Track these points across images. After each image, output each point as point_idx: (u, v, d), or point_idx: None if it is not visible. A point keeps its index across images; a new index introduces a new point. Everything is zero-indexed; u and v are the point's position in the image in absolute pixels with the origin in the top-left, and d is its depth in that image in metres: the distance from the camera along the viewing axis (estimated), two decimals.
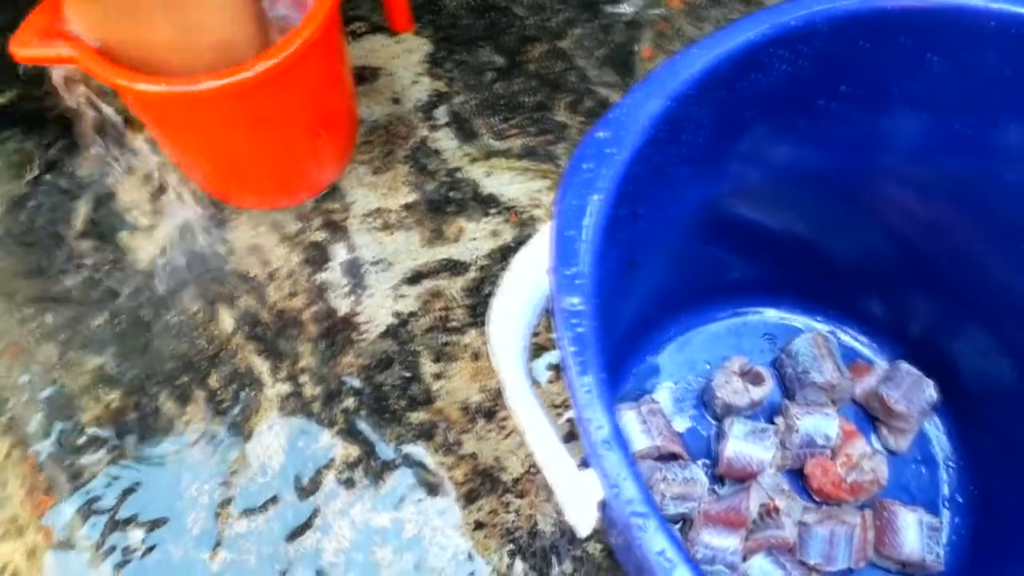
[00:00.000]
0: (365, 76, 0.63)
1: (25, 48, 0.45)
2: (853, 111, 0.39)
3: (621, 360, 0.51)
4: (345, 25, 0.65)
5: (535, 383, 0.54)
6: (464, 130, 0.62)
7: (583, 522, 0.28)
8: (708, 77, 0.33)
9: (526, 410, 0.32)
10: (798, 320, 0.55)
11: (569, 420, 0.53)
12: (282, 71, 0.45)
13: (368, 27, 0.65)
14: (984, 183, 0.42)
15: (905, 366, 0.51)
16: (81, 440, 0.53)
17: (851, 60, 0.37)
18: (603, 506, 0.29)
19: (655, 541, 0.26)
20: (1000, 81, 0.38)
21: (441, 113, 0.62)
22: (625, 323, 0.46)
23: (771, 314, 0.55)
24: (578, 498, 0.28)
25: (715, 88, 0.34)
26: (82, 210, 0.60)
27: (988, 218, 0.43)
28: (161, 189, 0.60)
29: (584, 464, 0.30)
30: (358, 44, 0.65)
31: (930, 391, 0.49)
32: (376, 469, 0.52)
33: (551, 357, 0.55)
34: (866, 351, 0.54)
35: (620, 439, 0.27)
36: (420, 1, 0.66)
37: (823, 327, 0.54)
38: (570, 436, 0.52)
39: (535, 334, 0.55)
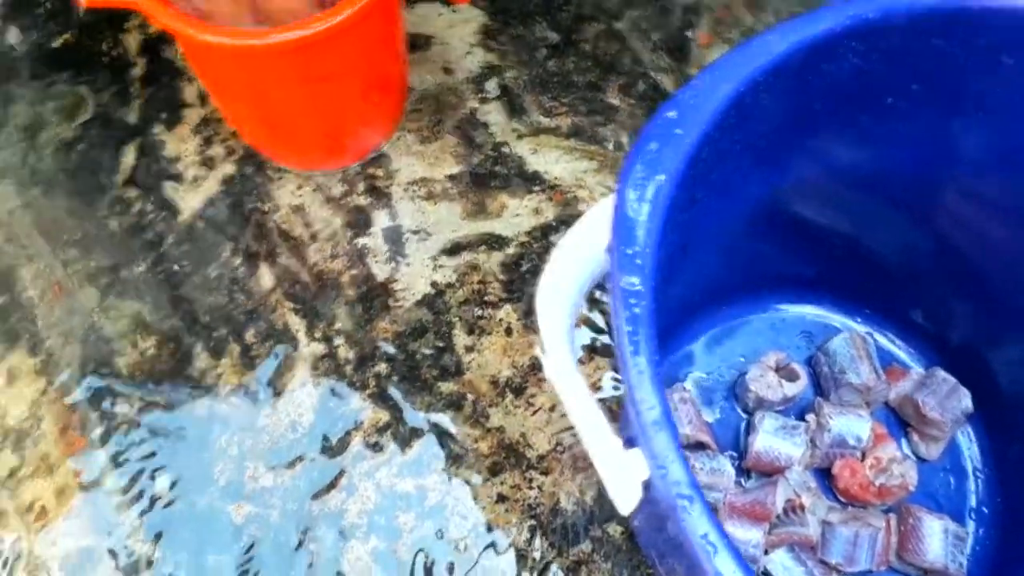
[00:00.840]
0: (418, 44, 0.63)
1: None
2: (922, 111, 0.39)
3: (661, 345, 0.51)
4: None
5: None
6: (514, 105, 0.61)
7: (627, 500, 0.28)
8: (781, 65, 0.33)
9: (571, 384, 0.32)
10: (836, 320, 0.54)
11: (601, 400, 0.53)
12: (341, 31, 0.45)
13: None
14: None
15: (942, 373, 0.50)
16: (116, 384, 0.54)
17: (925, 58, 0.36)
18: (647, 486, 0.29)
19: (699, 524, 0.26)
20: None
21: (492, 86, 0.62)
22: (670, 308, 0.46)
23: (810, 311, 0.54)
24: (623, 476, 0.28)
25: (787, 77, 0.34)
26: (129, 157, 0.60)
27: None
28: (208, 142, 0.60)
29: (629, 443, 0.30)
30: (413, 11, 0.64)
31: (966, 400, 0.49)
32: (404, 435, 0.52)
33: (583, 337, 0.55)
34: (903, 355, 0.53)
35: (669, 420, 0.27)
36: None
37: (861, 328, 0.54)
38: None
39: None
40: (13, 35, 0.64)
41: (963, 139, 0.40)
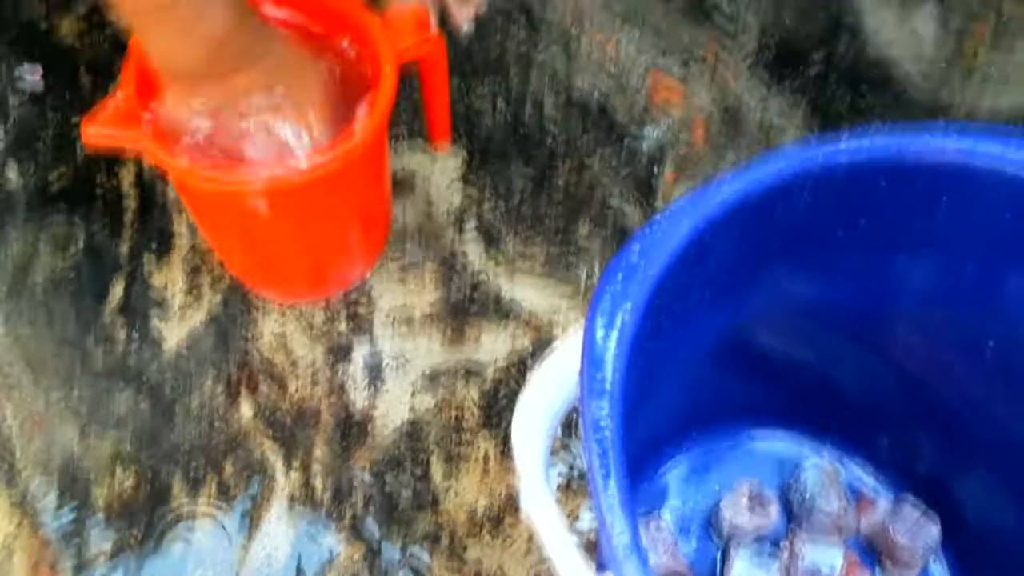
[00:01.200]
0: (402, 180, 0.66)
1: (95, 128, 0.47)
2: (870, 249, 0.41)
3: (632, 475, 0.52)
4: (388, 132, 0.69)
5: None
6: (491, 238, 0.64)
7: None
8: (736, 206, 0.36)
9: (544, 513, 0.33)
10: (807, 448, 0.55)
11: (578, 532, 0.53)
12: (332, 171, 0.48)
13: (408, 135, 0.69)
14: (993, 329, 0.43)
15: (910, 502, 0.51)
16: (91, 519, 0.53)
17: (870, 199, 0.39)
18: None
19: None
20: (1009, 229, 0.39)
21: (471, 220, 0.65)
22: (640, 438, 0.47)
23: (781, 440, 0.55)
24: None
25: (742, 216, 0.36)
26: (118, 289, 0.61)
27: (996, 363, 0.45)
28: (196, 273, 0.62)
29: (602, 568, 0.31)
30: (398, 151, 0.68)
31: (934, 529, 0.50)
32: (380, 569, 0.51)
33: (560, 468, 0.55)
34: (872, 484, 0.54)
35: (639, 545, 0.28)
36: (458, 116, 0.70)
37: (831, 457, 0.55)
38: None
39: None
40: (12, 170, 0.66)
41: (910, 273, 0.42)
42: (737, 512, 0.50)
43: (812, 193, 0.38)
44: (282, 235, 0.54)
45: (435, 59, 0.54)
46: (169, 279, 0.62)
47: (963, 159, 0.38)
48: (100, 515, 0.53)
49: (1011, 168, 0.37)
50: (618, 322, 0.32)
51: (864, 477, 0.54)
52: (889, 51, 0.75)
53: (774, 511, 0.50)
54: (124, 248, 0.63)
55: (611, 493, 0.28)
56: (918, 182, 0.39)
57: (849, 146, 0.37)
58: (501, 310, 0.61)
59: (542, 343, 0.60)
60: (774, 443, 0.55)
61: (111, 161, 0.66)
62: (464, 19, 0.73)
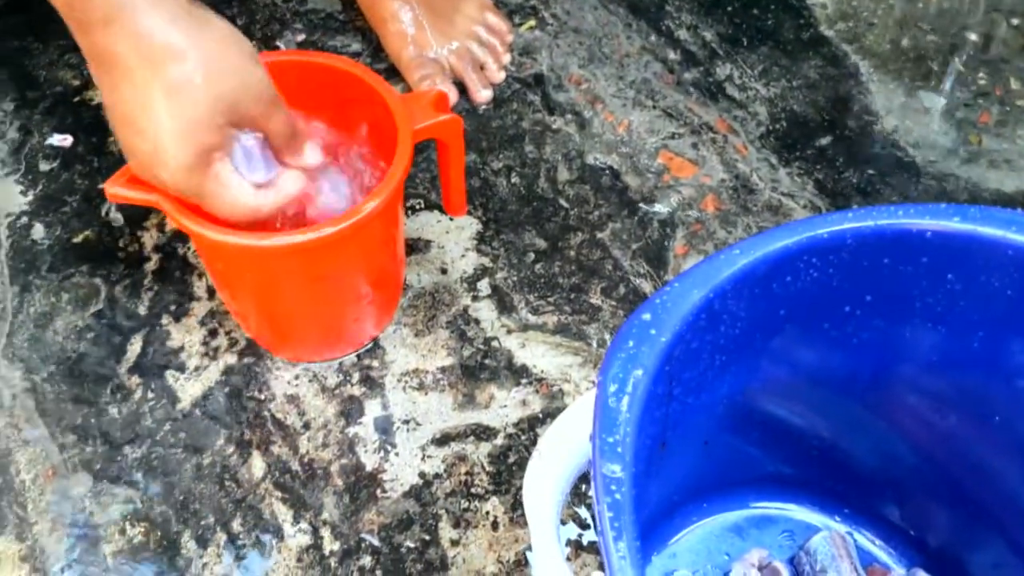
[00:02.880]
0: (418, 247, 0.68)
1: (119, 187, 0.49)
2: (877, 319, 0.42)
3: (644, 541, 0.52)
4: (404, 201, 0.71)
5: None
6: (504, 303, 0.65)
7: None
8: (745, 276, 0.37)
9: (556, 572, 0.33)
10: (817, 518, 0.55)
11: None
12: (348, 235, 0.49)
13: (425, 204, 0.71)
14: (999, 398, 0.44)
15: (922, 575, 0.51)
16: (100, 572, 0.53)
17: (876, 273, 0.40)
18: None
19: None
20: (1015, 303, 0.40)
21: (484, 286, 0.66)
22: (651, 504, 0.47)
23: (792, 510, 0.55)
24: None
25: (751, 286, 0.37)
26: (136, 346, 0.63)
27: (1004, 433, 0.45)
28: (213, 334, 0.63)
29: None
30: (415, 218, 0.70)
31: None
32: None
33: (570, 532, 0.55)
34: (883, 555, 0.54)
35: None
36: (475, 186, 0.72)
37: (842, 527, 0.55)
38: None
39: None
40: (38, 231, 0.68)
41: (916, 344, 0.43)
42: None
43: (818, 267, 0.39)
44: (295, 296, 0.55)
45: (452, 138, 0.56)
46: (186, 339, 0.63)
47: (966, 239, 0.39)
48: (107, 570, 0.53)
49: (1012, 249, 0.38)
50: (629, 387, 0.33)
51: (875, 549, 0.54)
52: (896, 133, 0.77)
53: None
54: (143, 308, 0.64)
55: (622, 554, 0.29)
56: (922, 259, 0.40)
57: (854, 222, 0.38)
58: (512, 374, 0.62)
59: (553, 407, 0.61)
60: (785, 512, 0.55)
61: (134, 224, 0.68)
62: (481, 93, 0.76)
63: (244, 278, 0.55)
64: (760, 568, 0.51)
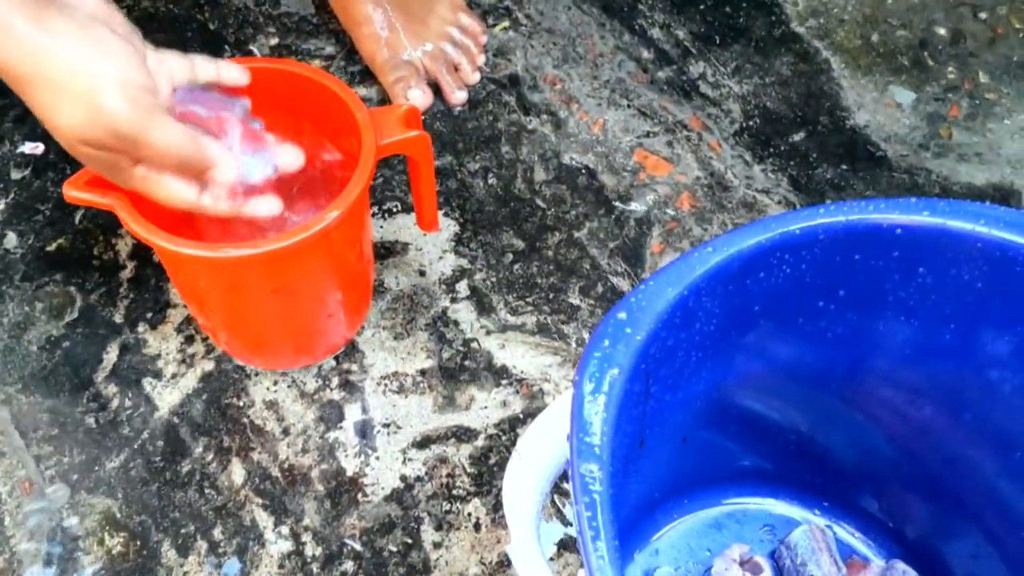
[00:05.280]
0: (396, 250, 0.68)
1: (76, 190, 0.48)
2: (850, 313, 0.43)
3: (625, 539, 0.52)
4: (380, 204, 0.71)
5: None
6: (482, 304, 0.65)
7: None
8: (719, 272, 0.37)
9: (536, 571, 0.33)
10: (797, 512, 0.56)
11: None
12: (311, 243, 0.48)
13: (402, 207, 0.70)
14: (972, 389, 0.44)
15: (900, 566, 0.51)
16: None
17: (848, 268, 0.40)
18: None
19: None
20: (985, 295, 0.41)
21: (462, 287, 0.66)
22: (632, 502, 0.47)
23: (771, 504, 0.56)
24: None
25: (725, 283, 0.38)
26: (112, 355, 0.62)
27: (978, 424, 0.46)
28: (189, 341, 0.63)
29: None
30: (392, 221, 0.70)
31: None
32: None
33: (555, 530, 0.56)
34: (862, 547, 0.54)
35: None
36: (451, 189, 0.72)
37: (821, 521, 0.55)
38: None
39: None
40: (11, 239, 0.67)
41: (890, 337, 0.44)
42: None
43: (791, 263, 0.40)
44: (259, 307, 0.55)
45: (421, 155, 0.56)
46: (163, 346, 0.63)
47: (934, 232, 0.39)
48: None
49: (981, 242, 0.39)
50: (605, 386, 0.33)
51: (854, 541, 0.55)
52: (868, 127, 0.78)
53: (765, 575, 0.51)
54: (119, 315, 0.64)
55: (600, 554, 0.29)
56: (893, 253, 0.40)
57: (826, 218, 0.39)
58: (492, 375, 0.62)
59: (533, 407, 0.61)
60: (764, 508, 0.56)
61: (109, 231, 0.68)
62: (456, 95, 0.76)
63: (205, 288, 0.55)
64: (741, 563, 0.51)
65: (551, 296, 0.66)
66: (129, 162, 0.44)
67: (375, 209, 0.70)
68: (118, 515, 0.55)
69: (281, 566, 0.54)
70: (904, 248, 0.40)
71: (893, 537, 0.54)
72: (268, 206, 0.49)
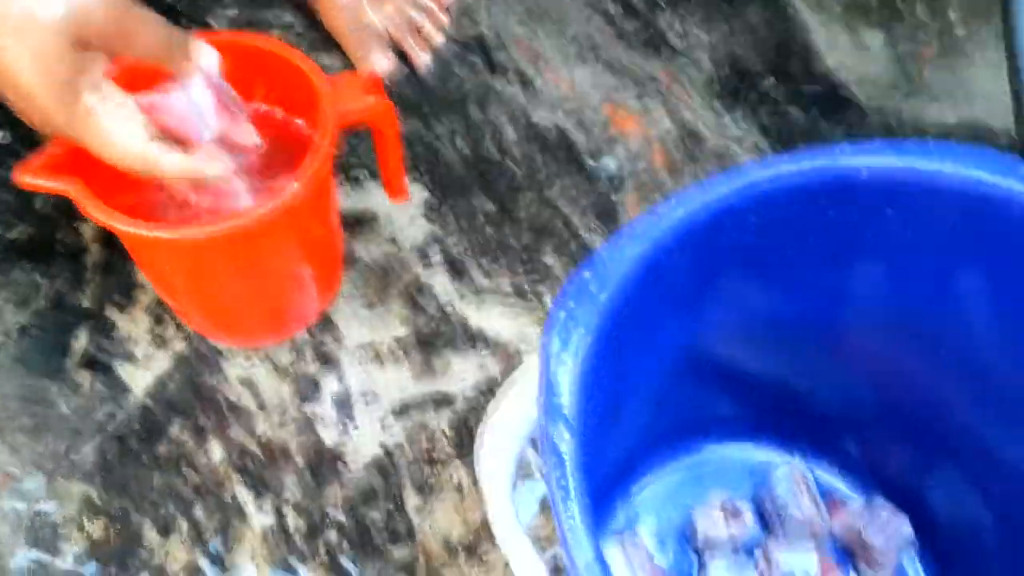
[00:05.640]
0: (365, 219, 0.67)
1: (29, 176, 0.47)
2: (821, 261, 0.43)
3: (606, 494, 0.52)
4: (347, 172, 0.69)
5: (524, 516, 0.54)
6: (456, 269, 0.65)
7: None
8: (686, 227, 0.37)
9: (510, 536, 0.33)
10: (777, 456, 0.56)
11: (555, 556, 0.53)
12: (273, 220, 0.47)
13: (369, 174, 0.69)
14: (949, 330, 0.44)
15: (881, 502, 0.52)
16: (61, 570, 0.52)
17: (817, 215, 0.40)
18: None
19: None
20: (956, 235, 0.41)
21: (435, 253, 0.66)
22: (610, 457, 0.47)
23: (751, 450, 0.56)
24: None
25: (692, 236, 0.37)
26: (82, 340, 0.61)
27: (955, 364, 0.46)
28: (160, 322, 0.62)
29: None
30: (360, 190, 0.69)
31: (905, 528, 0.50)
32: None
33: (540, 490, 0.56)
34: (843, 488, 0.55)
35: (603, 563, 0.28)
36: (419, 153, 0.71)
37: (801, 463, 0.56)
38: (556, 570, 0.52)
39: (522, 465, 0.56)
40: None
41: (864, 283, 0.44)
42: (710, 524, 0.51)
43: (758, 213, 0.39)
44: (225, 286, 0.54)
45: (384, 123, 0.54)
46: (133, 329, 0.62)
47: (903, 175, 0.39)
48: (70, 566, 0.52)
49: (949, 182, 0.39)
50: (572, 347, 0.32)
51: (834, 482, 0.55)
52: (839, 71, 0.77)
53: (747, 521, 0.51)
54: (87, 300, 0.63)
55: (571, 515, 0.29)
56: (862, 198, 0.40)
57: (791, 166, 0.38)
58: (469, 340, 0.62)
59: (511, 369, 0.61)
60: (744, 454, 0.56)
61: (71, 216, 0.66)
62: (421, 58, 0.75)
63: (170, 270, 0.54)
64: (723, 509, 0.52)
65: (525, 258, 0.66)
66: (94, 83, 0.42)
67: (341, 178, 0.69)
68: (97, 500, 0.55)
69: (265, 540, 0.54)
70: (872, 192, 0.40)
71: (873, 476, 0.54)
72: (213, 164, 0.47)
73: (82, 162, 0.49)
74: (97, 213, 0.46)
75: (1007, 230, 0.39)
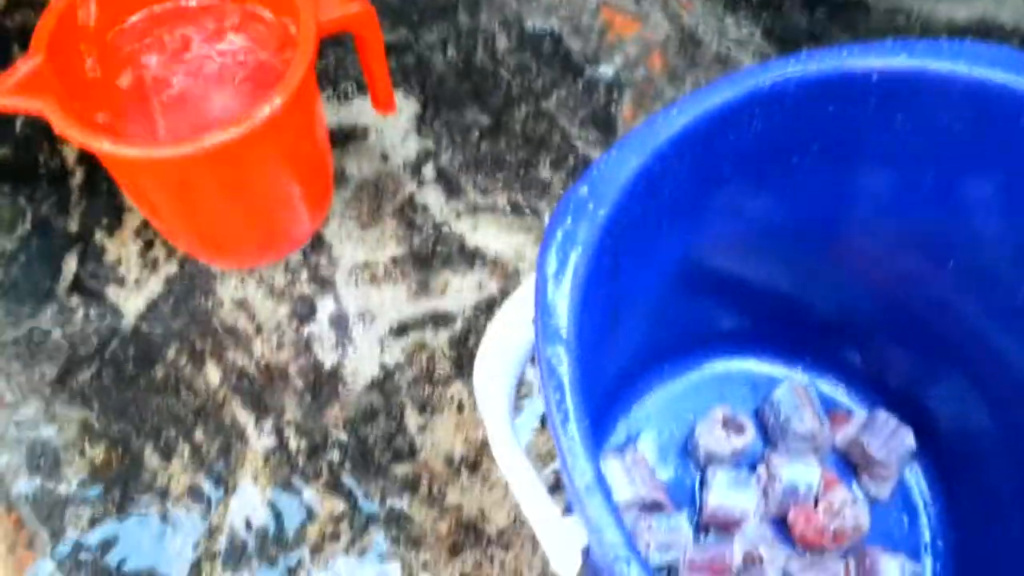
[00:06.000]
0: (355, 135, 0.65)
1: (2, 96, 0.45)
2: (826, 167, 0.41)
3: (606, 409, 0.52)
4: (335, 86, 0.67)
5: (525, 433, 0.54)
6: (451, 186, 0.63)
7: (567, 568, 0.29)
8: (686, 135, 0.35)
9: (509, 457, 0.33)
10: (779, 370, 0.56)
11: (555, 471, 0.53)
12: (256, 135, 0.46)
13: (357, 87, 0.67)
14: (954, 234, 0.43)
15: (883, 414, 0.52)
16: (65, 495, 0.53)
17: (822, 120, 0.38)
18: (587, 552, 0.29)
19: None
20: (967, 138, 0.39)
21: (428, 170, 0.64)
22: (610, 373, 0.47)
23: (753, 364, 0.56)
24: (562, 545, 0.29)
25: (693, 145, 0.36)
26: (71, 265, 0.60)
27: (961, 269, 0.45)
28: (150, 245, 0.61)
29: (568, 511, 0.31)
30: (348, 104, 0.66)
31: (908, 439, 0.50)
32: (360, 523, 0.52)
33: (538, 407, 0.56)
34: (845, 400, 0.55)
35: (603, 484, 0.28)
36: (409, 65, 0.68)
37: (803, 377, 0.55)
38: (556, 487, 0.52)
39: (523, 384, 0.56)
40: None
41: (868, 187, 0.42)
42: (712, 438, 0.51)
43: (762, 118, 0.37)
44: (212, 206, 0.52)
45: (367, 31, 0.52)
46: (123, 252, 0.61)
47: (912, 76, 0.37)
48: (73, 490, 0.53)
49: (961, 83, 0.37)
50: (569, 266, 0.31)
51: (837, 395, 0.55)
52: None
53: (749, 435, 0.51)
54: (74, 224, 0.62)
55: (570, 436, 0.28)
56: (870, 101, 0.38)
57: (797, 69, 0.36)
58: (466, 257, 0.61)
59: (510, 288, 0.60)
60: (746, 368, 0.56)
61: (53, 137, 0.64)
62: None
63: (153, 191, 0.52)
64: (724, 424, 0.52)
65: (521, 172, 0.64)
66: None
67: (328, 92, 0.66)
68: (96, 425, 0.55)
69: (266, 461, 0.54)
70: (881, 95, 0.38)
71: (875, 388, 0.54)
72: None
73: (56, 80, 0.47)
74: (73, 133, 0.45)
75: (1022, 132, 0.37)
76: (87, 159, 0.64)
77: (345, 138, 0.65)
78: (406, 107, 0.66)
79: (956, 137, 0.39)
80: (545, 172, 0.64)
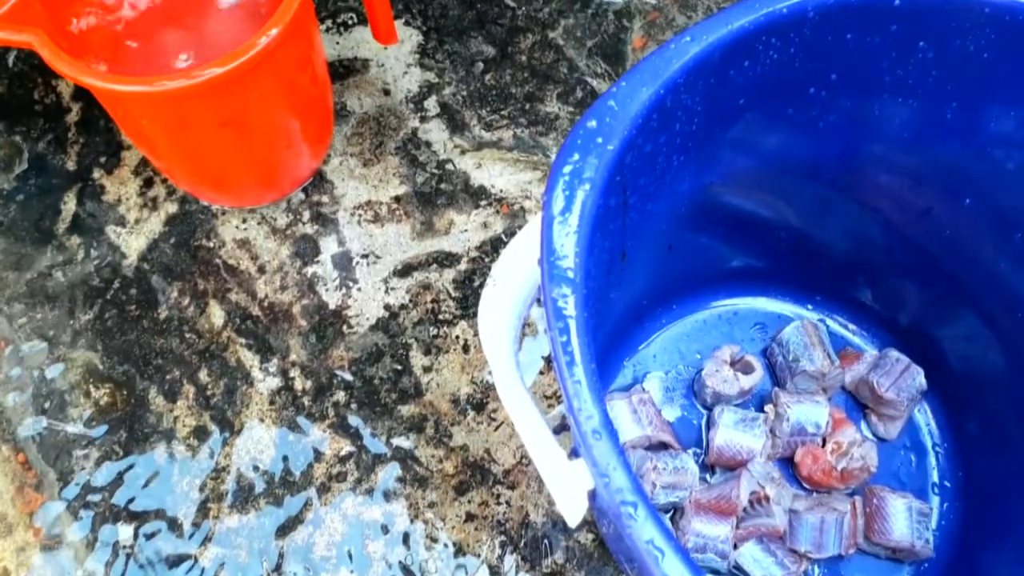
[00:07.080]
0: (355, 67, 0.63)
1: None
2: (844, 99, 0.39)
3: (613, 350, 0.51)
4: (334, 17, 0.65)
5: (531, 374, 0.54)
6: (454, 121, 0.62)
7: (573, 511, 0.28)
8: (699, 65, 0.33)
9: (515, 400, 0.32)
10: (788, 309, 0.55)
11: (562, 413, 0.53)
12: (253, 67, 0.44)
13: (358, 18, 0.65)
14: (974, 170, 0.42)
15: (894, 354, 0.51)
16: (71, 436, 0.53)
17: (842, 48, 0.37)
18: (593, 495, 0.29)
19: (644, 530, 0.26)
20: (989, 68, 0.38)
21: (431, 104, 0.62)
22: (617, 313, 0.46)
23: (762, 303, 0.55)
24: (568, 487, 0.28)
25: (706, 76, 0.34)
26: (70, 205, 0.59)
27: (978, 205, 0.44)
28: (149, 184, 0.60)
29: (574, 454, 0.30)
30: (348, 35, 0.64)
31: (919, 378, 0.50)
32: (367, 463, 0.52)
33: (543, 348, 0.55)
34: (855, 339, 0.54)
35: (610, 428, 0.27)
36: None
37: (813, 315, 0.55)
38: (562, 428, 0.52)
39: (528, 324, 0.55)
40: None
41: (887, 120, 0.41)
42: (718, 377, 0.50)
43: (778, 47, 0.36)
44: (210, 142, 0.51)
45: None
46: (122, 191, 0.59)
47: (939, 1, 0.35)
48: (80, 431, 0.53)
49: (989, 7, 0.35)
50: (576, 204, 0.30)
51: (847, 333, 0.54)
52: None
53: (757, 374, 0.50)
54: (71, 163, 0.60)
55: (577, 379, 0.27)
56: (891, 27, 0.36)
57: None
58: (470, 196, 0.59)
59: (515, 227, 0.59)
60: (755, 306, 0.55)
61: (46, 73, 0.63)
62: None
63: (150, 127, 0.51)
64: (732, 363, 0.51)
65: (527, 106, 0.62)
66: None
67: (328, 23, 0.64)
68: (100, 367, 0.55)
69: (272, 402, 0.54)
70: (903, 21, 0.36)
71: (886, 326, 0.53)
72: None
73: (47, 11, 0.45)
74: (65, 68, 0.43)
75: None
76: (83, 95, 0.62)
77: (345, 71, 0.63)
78: (408, 38, 0.64)
79: (980, 65, 0.38)
80: (552, 106, 0.62)
